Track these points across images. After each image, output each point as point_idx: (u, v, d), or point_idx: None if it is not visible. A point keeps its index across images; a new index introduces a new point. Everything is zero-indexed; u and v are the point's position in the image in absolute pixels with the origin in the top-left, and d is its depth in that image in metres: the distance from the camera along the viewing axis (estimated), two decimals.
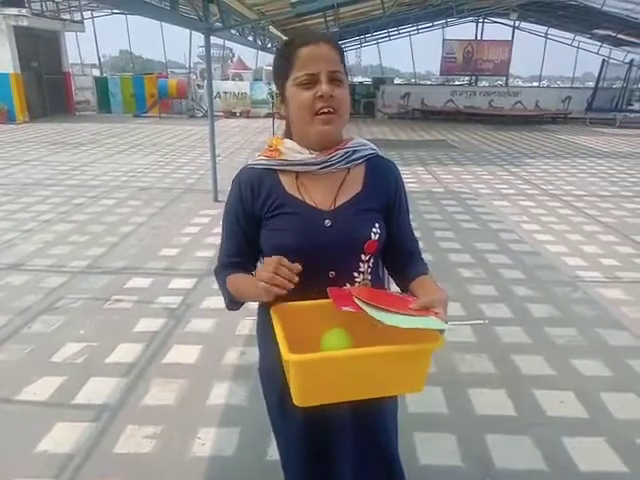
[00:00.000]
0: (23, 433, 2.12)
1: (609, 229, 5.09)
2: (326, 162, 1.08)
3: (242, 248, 1.13)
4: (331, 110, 1.02)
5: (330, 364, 0.90)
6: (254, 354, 2.69)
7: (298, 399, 0.90)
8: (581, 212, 5.71)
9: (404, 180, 1.20)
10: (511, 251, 4.41)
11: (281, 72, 1.07)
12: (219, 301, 3.17)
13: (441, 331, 0.92)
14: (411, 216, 1.23)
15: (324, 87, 1.00)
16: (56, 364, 2.62)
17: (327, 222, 1.06)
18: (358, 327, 0.99)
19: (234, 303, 1.15)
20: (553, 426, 2.21)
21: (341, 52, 1.06)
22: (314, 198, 1.08)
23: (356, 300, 0.97)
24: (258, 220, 1.10)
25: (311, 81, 1.01)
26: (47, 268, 3.86)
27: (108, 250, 4.27)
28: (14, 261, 3.97)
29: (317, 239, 1.05)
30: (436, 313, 0.93)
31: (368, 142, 1.17)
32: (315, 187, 1.09)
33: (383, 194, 1.13)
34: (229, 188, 1.16)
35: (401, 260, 1.18)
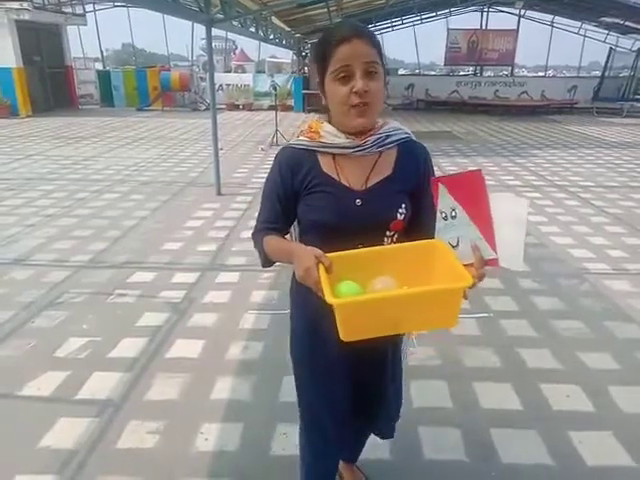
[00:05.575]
0: (26, 428, 2.12)
1: (616, 220, 5.02)
2: (359, 147, 1.18)
3: (279, 217, 1.26)
4: (365, 103, 1.11)
5: (366, 305, 1.00)
6: (257, 349, 2.70)
7: (343, 335, 1.01)
8: (588, 203, 5.65)
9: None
10: None
11: (320, 68, 1.18)
12: (222, 295, 3.21)
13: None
14: None
15: (359, 83, 1.09)
16: (59, 359, 2.62)
17: (358, 201, 1.18)
18: (397, 270, 1.10)
19: (268, 262, 1.28)
20: (559, 420, 2.19)
21: (376, 43, 1.14)
22: (348, 178, 1.20)
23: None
24: (296, 195, 1.23)
25: (347, 73, 1.10)
26: (50, 263, 3.86)
27: (111, 244, 4.26)
28: (17, 256, 3.97)
29: (348, 216, 1.17)
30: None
31: (402, 126, 1.26)
32: (349, 168, 1.20)
33: (412, 176, 1.24)
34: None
35: (423, 236, 1.22)
